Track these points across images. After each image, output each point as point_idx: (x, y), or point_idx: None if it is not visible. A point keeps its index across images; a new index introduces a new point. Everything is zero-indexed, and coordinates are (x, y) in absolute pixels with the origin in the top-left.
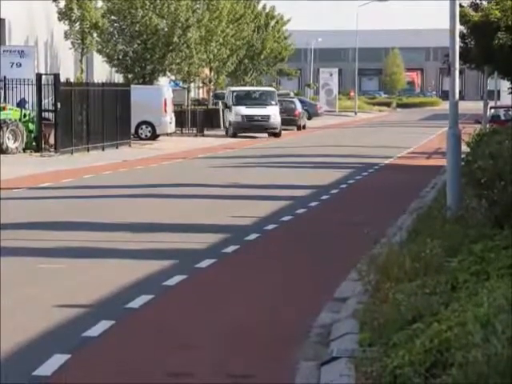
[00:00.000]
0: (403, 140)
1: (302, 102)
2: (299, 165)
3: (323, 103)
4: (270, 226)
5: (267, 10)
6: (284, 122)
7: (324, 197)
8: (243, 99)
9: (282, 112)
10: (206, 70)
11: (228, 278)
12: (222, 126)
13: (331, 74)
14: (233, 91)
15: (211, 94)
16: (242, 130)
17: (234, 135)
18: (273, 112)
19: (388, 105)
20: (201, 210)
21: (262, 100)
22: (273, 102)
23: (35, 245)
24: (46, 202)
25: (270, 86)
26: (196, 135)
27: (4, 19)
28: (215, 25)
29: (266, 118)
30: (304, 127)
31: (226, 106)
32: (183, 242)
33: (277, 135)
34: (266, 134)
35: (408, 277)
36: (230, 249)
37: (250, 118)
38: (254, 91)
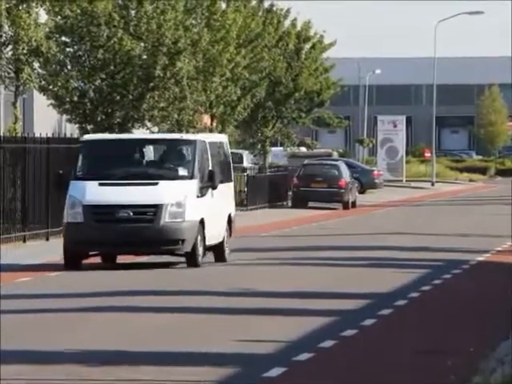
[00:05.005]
0: (507, 225)
1: (350, 166)
2: (344, 262)
3: (383, 169)
4: (302, 357)
5: (299, 28)
6: (323, 197)
7: (384, 311)
8: (108, 164)
9: (319, 182)
10: (206, 119)
11: None
12: None
13: (395, 125)
14: (83, 143)
15: None
16: (87, 248)
17: (72, 263)
18: (177, 196)
19: (483, 171)
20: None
21: (156, 166)
22: (184, 172)
23: None
24: None
25: (303, 142)
26: None
27: None
28: (219, 50)
29: (151, 213)
30: (354, 205)
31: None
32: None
33: (191, 260)
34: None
35: None
36: None
37: (106, 211)
38: (143, 142)
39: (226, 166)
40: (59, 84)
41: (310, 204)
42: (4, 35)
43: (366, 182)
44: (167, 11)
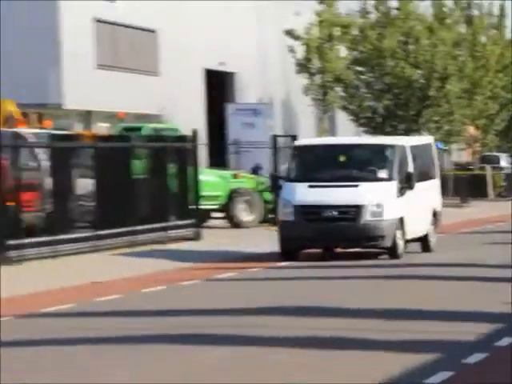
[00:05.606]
0: None
1: None
2: None
3: None
4: None
5: None
6: None
7: None
8: (316, 167)
9: None
10: (471, 129)
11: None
12: (490, 195)
13: None
14: (295, 148)
15: (477, 156)
16: (299, 243)
17: (286, 254)
18: (377, 197)
19: None
20: (467, 294)
21: (359, 169)
22: (383, 174)
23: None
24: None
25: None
26: (460, 205)
27: (234, 73)
28: (481, 75)
29: (353, 213)
30: None
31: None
32: (447, 332)
33: (392, 253)
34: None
35: None
36: (505, 341)
37: (314, 211)
38: (347, 147)
39: (430, 165)
40: (356, 104)
41: None
42: (314, 67)
43: None
44: (439, 44)
